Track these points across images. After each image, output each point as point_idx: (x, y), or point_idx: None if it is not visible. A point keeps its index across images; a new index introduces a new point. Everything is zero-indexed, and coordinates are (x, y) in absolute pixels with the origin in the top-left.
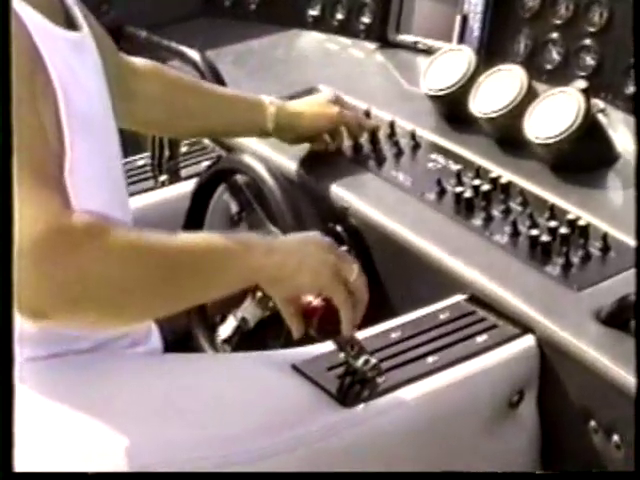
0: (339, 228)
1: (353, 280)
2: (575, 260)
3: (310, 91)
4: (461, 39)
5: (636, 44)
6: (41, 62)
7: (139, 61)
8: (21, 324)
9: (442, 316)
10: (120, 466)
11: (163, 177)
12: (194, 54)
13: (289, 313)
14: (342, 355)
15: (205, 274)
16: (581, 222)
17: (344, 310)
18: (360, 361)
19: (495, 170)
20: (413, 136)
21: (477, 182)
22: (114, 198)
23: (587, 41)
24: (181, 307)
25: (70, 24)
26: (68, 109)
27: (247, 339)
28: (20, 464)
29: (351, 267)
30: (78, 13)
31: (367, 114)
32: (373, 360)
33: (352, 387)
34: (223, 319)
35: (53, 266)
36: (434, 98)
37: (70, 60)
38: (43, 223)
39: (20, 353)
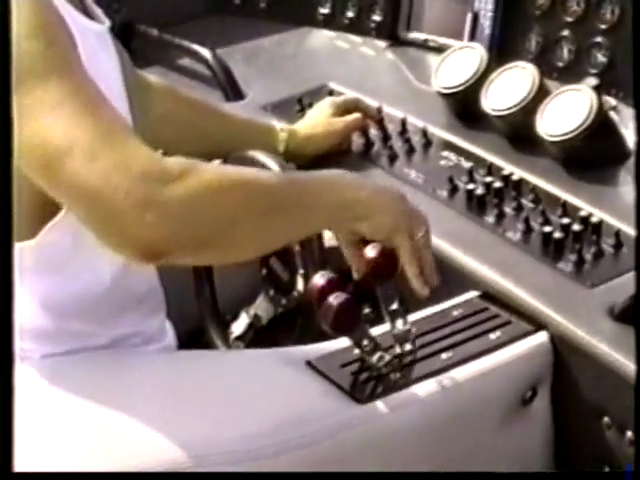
0: None
1: (420, 236)
2: (588, 257)
3: (321, 88)
4: (472, 37)
5: (636, 44)
6: (74, 44)
7: (153, 78)
8: (39, 322)
9: (456, 313)
10: (134, 462)
11: None
12: (205, 52)
13: (353, 254)
14: (356, 351)
15: (306, 205)
16: (594, 219)
17: (408, 264)
18: (375, 357)
19: (507, 167)
20: (425, 133)
21: (489, 179)
22: None
23: (598, 38)
24: (288, 239)
25: (90, 17)
26: None
27: (260, 336)
28: (35, 460)
29: (423, 223)
30: (97, 8)
31: (379, 111)
32: (388, 356)
33: (366, 383)
34: (236, 316)
35: (164, 204)
36: (446, 96)
37: (97, 52)
38: (141, 165)
39: (37, 350)
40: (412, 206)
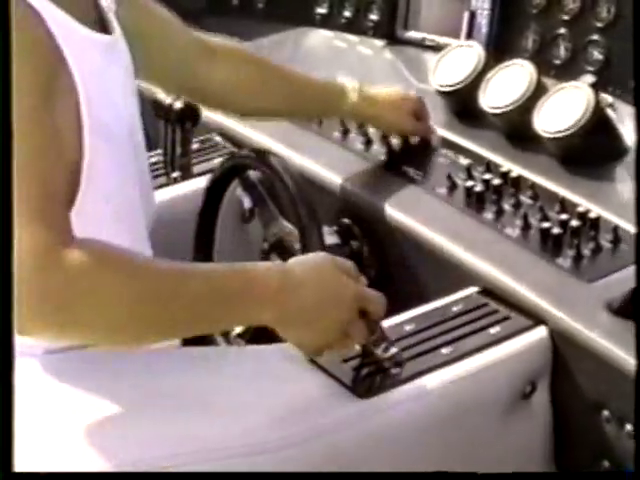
0: (351, 223)
1: (373, 311)
2: (586, 252)
3: None
4: (469, 35)
5: (636, 44)
6: (63, 63)
7: (218, 42)
8: None
9: (455, 308)
10: (134, 457)
11: (175, 174)
12: None
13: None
14: (358, 346)
15: (205, 315)
16: (591, 215)
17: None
18: (380, 349)
19: (505, 164)
20: None
21: (487, 176)
22: (130, 209)
23: (595, 36)
24: (180, 336)
25: (103, 28)
26: (91, 116)
27: (261, 333)
28: (34, 457)
29: (372, 300)
30: (112, 16)
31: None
32: (394, 349)
33: (367, 379)
34: None
35: (42, 296)
36: (444, 94)
37: (98, 63)
38: (33, 256)
39: (37, 346)
40: (357, 287)
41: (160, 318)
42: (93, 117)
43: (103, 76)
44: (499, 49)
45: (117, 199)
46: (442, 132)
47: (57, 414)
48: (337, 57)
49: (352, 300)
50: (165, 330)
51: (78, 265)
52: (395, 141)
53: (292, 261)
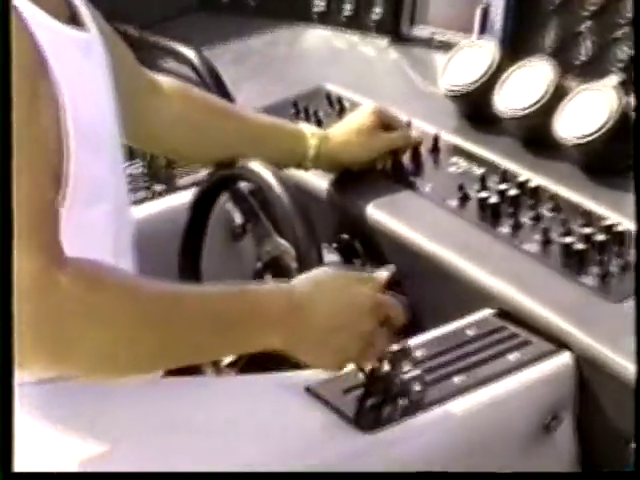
0: (353, 239)
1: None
2: (612, 269)
3: (317, 91)
4: (482, 32)
5: (636, 42)
6: (45, 65)
7: (165, 80)
8: None
9: (469, 332)
10: None
11: (158, 187)
12: (190, 53)
13: None
14: (360, 375)
15: (202, 341)
16: (618, 228)
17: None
18: (403, 362)
19: (523, 173)
20: (432, 138)
21: (503, 187)
22: (115, 214)
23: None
24: (175, 365)
25: (77, 25)
26: (75, 117)
27: (252, 362)
28: None
29: (391, 305)
30: (86, 13)
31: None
32: (415, 372)
33: (372, 411)
34: None
35: (36, 320)
36: (454, 97)
37: (79, 62)
38: (27, 280)
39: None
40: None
41: (153, 343)
42: (78, 120)
43: (84, 76)
44: (515, 47)
45: (102, 205)
46: (453, 139)
47: (36, 448)
48: (336, 57)
49: (370, 310)
50: (159, 357)
51: (71, 288)
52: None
53: (296, 280)
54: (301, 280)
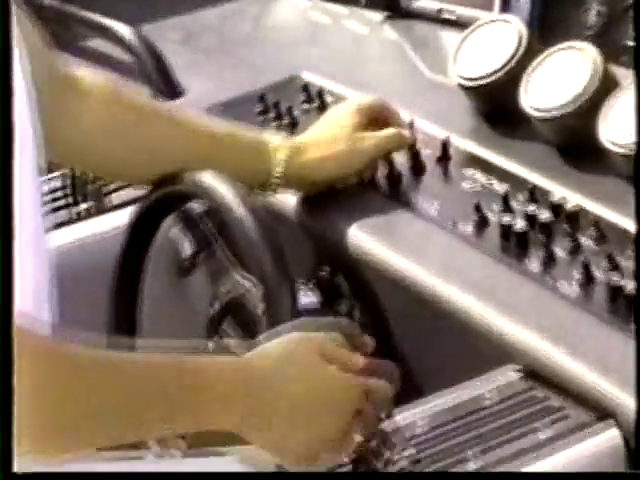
0: (337, 275)
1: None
2: None
3: (291, 81)
4: (505, 7)
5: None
6: None
7: (86, 74)
8: None
9: (487, 399)
10: None
11: (84, 205)
12: (124, 30)
13: None
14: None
15: (135, 419)
16: None
17: None
18: (388, 450)
19: (557, 191)
20: (440, 143)
21: (532, 208)
22: (33, 245)
23: None
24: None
25: None
26: None
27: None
28: None
29: (376, 389)
30: None
31: (410, 125)
32: (409, 450)
33: None
34: None
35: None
36: (469, 90)
37: None
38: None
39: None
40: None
41: (75, 419)
42: None
43: None
44: (547, 27)
45: (26, 226)
46: (467, 144)
47: None
48: (317, 36)
49: (346, 401)
50: (84, 435)
51: None
52: (400, 158)
53: (253, 353)
54: (259, 354)
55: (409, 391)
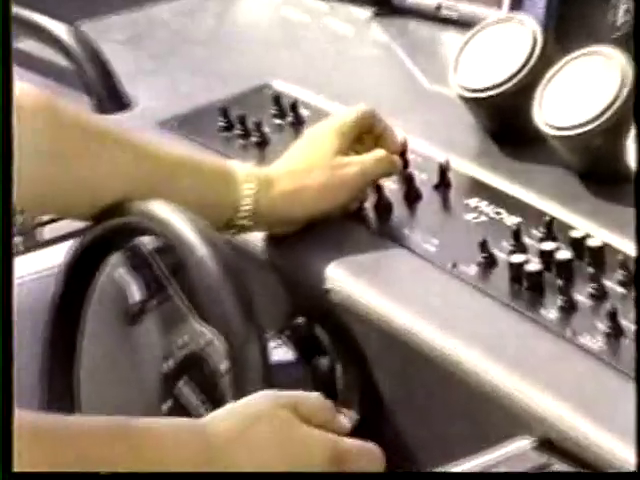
0: (314, 325)
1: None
2: None
3: (260, 91)
4: (516, 4)
5: (636, 43)
6: None
7: (17, 86)
8: None
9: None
10: None
11: (15, 239)
12: (60, 29)
13: None
14: None
15: None
16: None
17: None
18: None
19: (579, 225)
20: (438, 168)
21: (549, 246)
22: None
23: None
24: None
25: None
26: None
27: None
28: None
29: (358, 459)
30: None
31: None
32: None
33: None
34: None
35: None
36: (473, 102)
37: None
38: None
39: None
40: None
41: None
42: None
43: None
44: (566, 28)
45: None
46: (470, 168)
47: None
48: (291, 36)
49: (327, 464)
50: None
51: None
52: (392, 185)
53: (215, 414)
54: (220, 416)
55: (400, 462)
